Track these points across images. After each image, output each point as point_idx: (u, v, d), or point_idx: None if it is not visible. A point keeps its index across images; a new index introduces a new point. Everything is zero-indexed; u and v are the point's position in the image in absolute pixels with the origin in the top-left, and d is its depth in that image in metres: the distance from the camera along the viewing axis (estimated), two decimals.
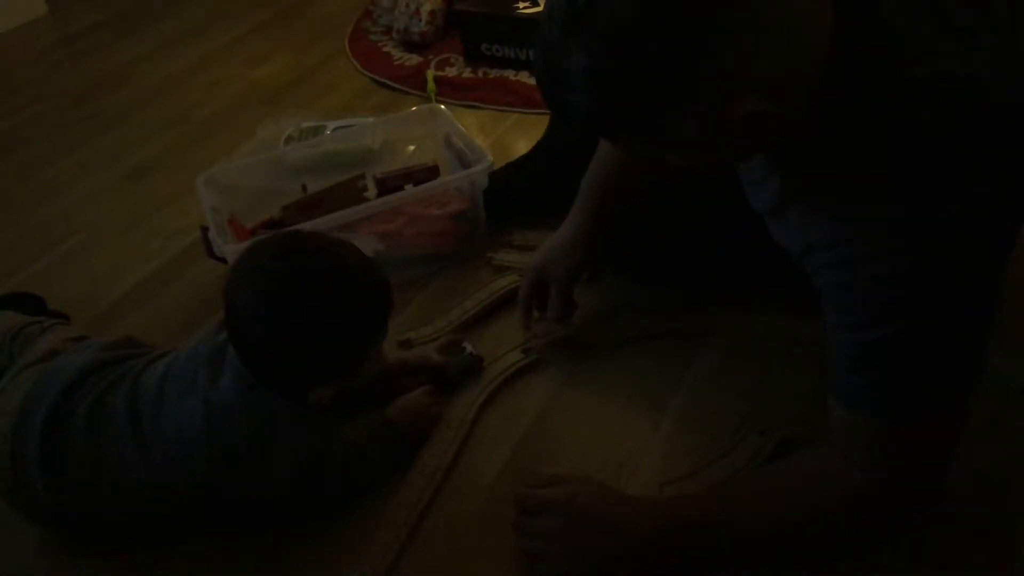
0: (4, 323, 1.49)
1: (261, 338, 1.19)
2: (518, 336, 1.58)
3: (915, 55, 0.96)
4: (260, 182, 1.88)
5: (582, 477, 1.29)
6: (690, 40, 0.88)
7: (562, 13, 0.91)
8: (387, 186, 1.80)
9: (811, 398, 1.39)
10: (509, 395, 1.50)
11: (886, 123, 0.97)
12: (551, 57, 0.94)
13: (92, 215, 2.14)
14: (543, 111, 2.17)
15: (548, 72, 0.96)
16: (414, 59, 2.69)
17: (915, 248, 0.97)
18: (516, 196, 1.85)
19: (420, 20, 2.71)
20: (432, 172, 1.84)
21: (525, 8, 2.50)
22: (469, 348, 1.53)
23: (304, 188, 1.83)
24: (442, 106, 2.03)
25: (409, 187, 1.79)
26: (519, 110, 2.36)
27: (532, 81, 2.35)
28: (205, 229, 1.72)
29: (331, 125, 2.20)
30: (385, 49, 2.79)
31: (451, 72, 2.58)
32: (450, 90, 2.49)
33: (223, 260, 1.64)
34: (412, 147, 2.03)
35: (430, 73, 2.55)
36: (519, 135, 2.24)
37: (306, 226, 1.56)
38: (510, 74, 2.51)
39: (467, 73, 2.56)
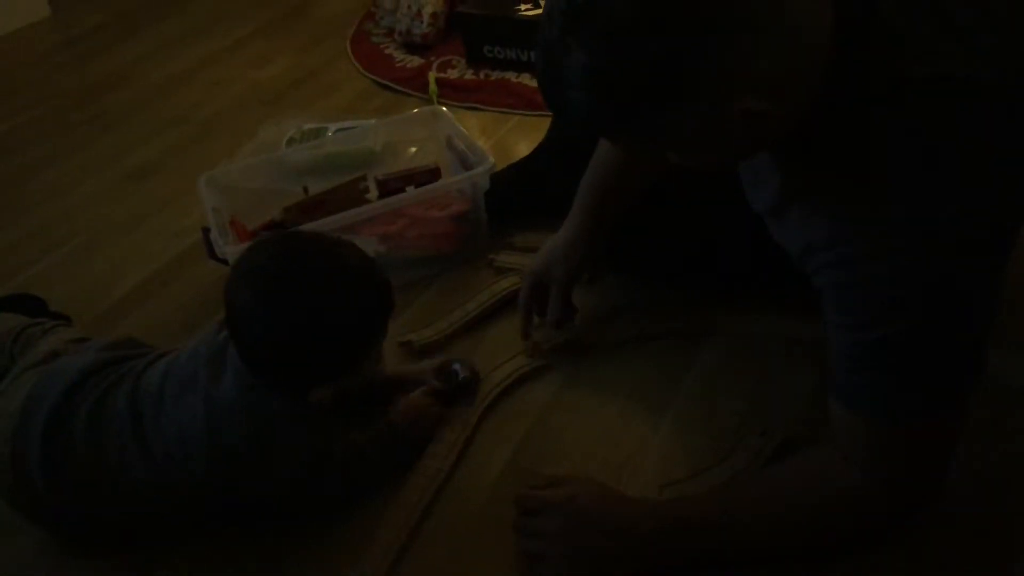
0: (5, 325, 1.49)
1: (261, 338, 1.20)
2: (519, 338, 1.58)
3: (915, 55, 0.96)
4: (261, 183, 1.89)
5: (582, 478, 1.29)
6: (690, 40, 0.88)
7: (561, 12, 0.91)
8: (388, 188, 1.80)
9: (811, 398, 1.39)
10: (510, 396, 1.49)
11: (886, 123, 0.97)
12: (551, 56, 0.94)
13: (93, 216, 2.14)
14: (545, 113, 2.17)
15: (548, 71, 0.96)
16: (416, 61, 2.69)
17: (915, 248, 0.97)
18: (518, 198, 1.85)
19: (422, 22, 2.71)
20: (433, 174, 1.84)
21: (527, 10, 2.50)
22: (460, 372, 1.50)
23: (305, 190, 1.83)
24: (444, 108, 2.03)
25: (410, 189, 1.79)
26: (521, 112, 2.36)
27: (534, 83, 2.35)
28: (206, 230, 1.72)
29: (333, 127, 2.21)
30: (387, 51, 2.79)
31: (453, 74, 2.58)
32: (452, 92, 2.49)
33: (224, 261, 1.64)
34: (414, 149, 2.03)
35: (432, 75, 2.55)
36: (521, 137, 2.24)
37: (307, 227, 1.56)
38: (512, 76, 2.51)
39: (469, 75, 2.56)
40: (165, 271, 1.91)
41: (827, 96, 0.97)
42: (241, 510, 1.31)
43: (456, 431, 1.42)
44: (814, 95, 0.97)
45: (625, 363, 1.53)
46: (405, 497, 1.33)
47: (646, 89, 0.91)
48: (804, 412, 1.37)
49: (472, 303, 1.67)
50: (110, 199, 2.21)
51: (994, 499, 1.23)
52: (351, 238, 1.32)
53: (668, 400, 1.45)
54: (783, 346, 1.50)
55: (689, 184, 1.30)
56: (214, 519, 1.32)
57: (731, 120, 0.93)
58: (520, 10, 2.51)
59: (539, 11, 2.46)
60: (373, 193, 1.82)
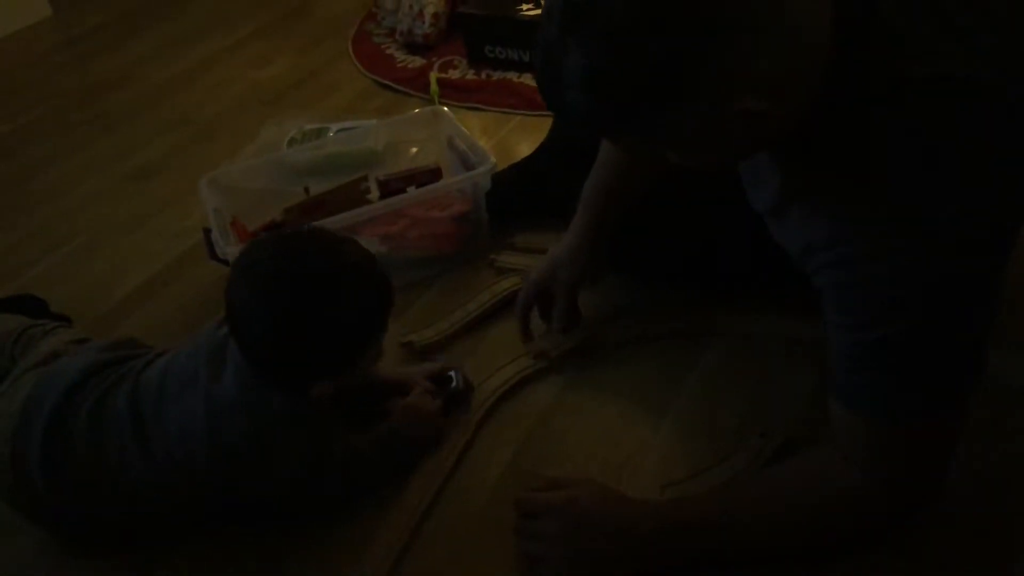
0: (6, 326, 1.49)
1: (260, 335, 1.20)
2: (520, 341, 1.58)
3: (915, 55, 0.96)
4: (262, 184, 1.89)
5: (582, 480, 1.28)
6: (690, 40, 0.88)
7: (561, 11, 0.91)
8: (390, 188, 1.80)
9: (811, 398, 1.39)
10: (511, 398, 1.49)
11: (886, 123, 0.97)
12: (550, 56, 0.94)
13: (94, 217, 2.15)
14: (546, 113, 2.17)
15: (547, 71, 0.96)
16: (417, 61, 2.69)
17: (915, 248, 0.96)
18: (519, 198, 1.85)
19: (423, 22, 2.71)
20: (435, 174, 1.84)
21: (528, 10, 2.50)
22: (456, 380, 1.49)
23: (307, 190, 1.83)
24: (445, 108, 2.03)
25: (412, 189, 1.79)
26: (522, 112, 2.36)
27: (535, 83, 2.34)
28: (208, 231, 1.72)
29: (334, 127, 2.21)
30: (388, 51, 2.79)
31: (454, 74, 2.58)
32: (453, 92, 2.49)
33: (225, 262, 1.64)
34: (415, 149, 2.03)
35: (433, 75, 2.55)
36: (522, 137, 2.24)
37: None
38: (513, 76, 2.51)
39: (470, 75, 2.56)
40: (166, 272, 1.92)
41: (827, 96, 0.97)
42: (241, 510, 1.31)
43: (457, 432, 1.42)
44: (814, 95, 0.97)
45: (626, 364, 1.53)
46: (406, 498, 1.33)
47: (646, 89, 0.91)
48: (804, 412, 1.37)
49: (473, 303, 1.67)
50: (111, 200, 2.21)
51: (994, 499, 1.23)
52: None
53: (669, 400, 1.45)
54: (783, 346, 1.50)
55: (689, 184, 1.30)
56: (214, 519, 1.32)
57: (731, 120, 0.93)
58: (521, 10, 2.51)
59: (540, 11, 2.46)
60: (374, 193, 1.82)
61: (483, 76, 2.54)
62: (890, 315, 0.99)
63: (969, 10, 0.97)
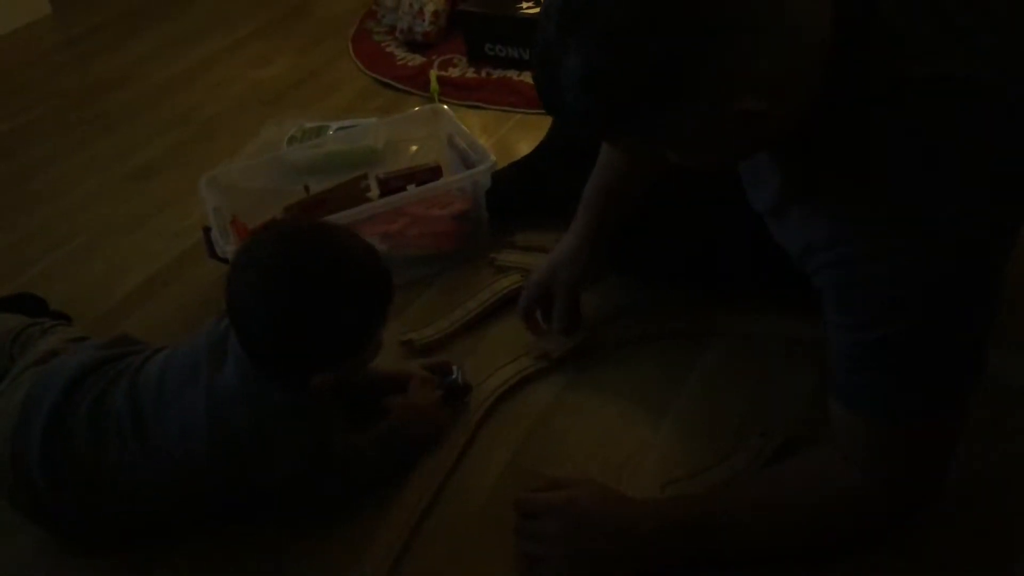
0: (5, 325, 1.49)
1: (260, 327, 1.20)
2: (520, 338, 1.58)
3: (915, 55, 0.96)
4: (263, 183, 1.89)
5: (582, 479, 1.28)
6: (689, 40, 0.88)
7: (559, 11, 0.91)
8: (390, 187, 1.80)
9: (811, 398, 1.39)
10: (511, 397, 1.49)
11: (886, 123, 0.97)
12: (548, 56, 0.94)
13: (94, 216, 2.14)
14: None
15: (545, 71, 0.96)
16: (417, 59, 2.69)
17: (915, 248, 0.96)
18: (519, 196, 1.85)
19: (423, 20, 2.71)
20: (435, 172, 1.84)
21: (528, 8, 2.50)
22: (456, 375, 1.49)
23: (307, 188, 1.83)
24: (445, 106, 2.03)
25: (412, 188, 1.79)
26: (522, 110, 2.36)
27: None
28: (207, 230, 1.72)
29: (334, 125, 2.21)
30: (388, 49, 2.79)
31: (454, 72, 2.58)
32: (453, 90, 2.49)
33: (225, 261, 1.64)
34: (415, 147, 2.03)
35: (433, 73, 2.55)
36: (522, 135, 2.24)
37: None
38: (513, 74, 2.51)
39: (470, 73, 2.56)
40: (166, 271, 1.91)
41: (827, 96, 0.97)
42: (242, 508, 1.31)
43: (457, 432, 1.42)
44: (814, 95, 0.97)
45: (626, 364, 1.53)
46: (406, 497, 1.33)
47: (646, 89, 0.91)
48: (804, 412, 1.37)
49: (473, 302, 1.67)
50: (111, 199, 2.21)
51: (994, 499, 1.23)
52: None
53: (669, 400, 1.45)
54: (783, 346, 1.50)
55: (689, 184, 1.30)
56: (214, 518, 1.32)
57: (731, 120, 0.93)
58: (521, 8, 2.51)
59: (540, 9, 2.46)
60: (374, 192, 1.82)
61: (483, 74, 2.54)
62: (890, 315, 0.99)
63: (969, 10, 0.97)
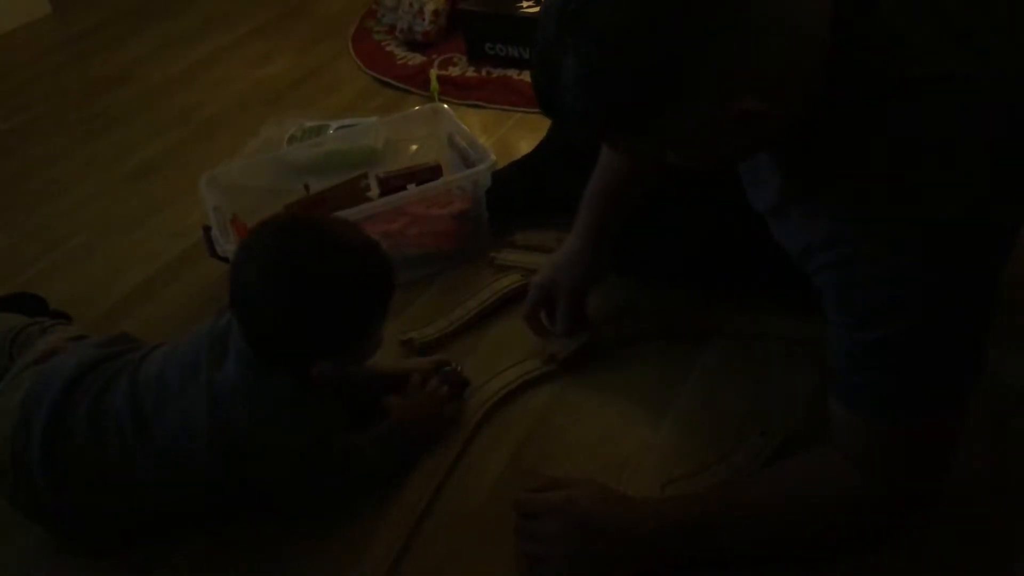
0: (4, 324, 1.49)
1: (263, 312, 1.21)
2: (521, 337, 1.58)
3: (915, 55, 0.96)
4: (263, 182, 1.89)
5: (582, 479, 1.28)
6: (689, 40, 0.88)
7: (559, 12, 0.91)
8: (390, 186, 1.80)
9: (811, 398, 1.39)
10: (511, 397, 1.49)
11: (886, 123, 0.97)
12: (547, 57, 0.94)
13: (94, 215, 2.15)
14: None
15: (544, 71, 0.96)
16: (417, 58, 2.69)
17: (915, 248, 0.97)
18: (519, 196, 1.84)
19: (423, 19, 2.71)
20: (435, 172, 1.83)
21: (528, 7, 2.49)
22: (455, 365, 1.50)
23: (307, 188, 1.83)
24: (445, 106, 2.03)
25: (412, 187, 1.78)
26: (522, 109, 2.36)
27: None
28: (208, 229, 1.72)
29: (334, 125, 2.21)
30: (388, 48, 2.79)
31: (454, 71, 2.58)
32: (453, 89, 2.49)
33: (225, 260, 1.64)
34: (415, 147, 2.03)
35: (433, 72, 2.55)
36: (522, 135, 2.24)
37: None
38: (513, 73, 2.51)
39: (470, 72, 2.56)
40: (166, 270, 1.92)
41: (827, 96, 0.97)
42: (242, 507, 1.32)
43: (457, 431, 1.42)
44: (814, 95, 0.97)
45: (626, 363, 1.53)
46: (406, 497, 1.33)
47: (645, 90, 0.91)
48: (804, 412, 1.37)
49: (473, 301, 1.67)
50: (111, 198, 2.21)
51: (994, 499, 1.23)
52: None
53: (669, 400, 1.45)
54: (783, 346, 1.50)
55: (690, 185, 1.30)
56: (214, 518, 1.32)
57: (731, 120, 0.93)
58: (521, 7, 2.50)
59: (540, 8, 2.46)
60: (374, 191, 1.82)
61: (483, 73, 2.54)
62: (890, 315, 0.99)
63: (969, 10, 0.97)
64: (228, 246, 1.58)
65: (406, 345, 1.60)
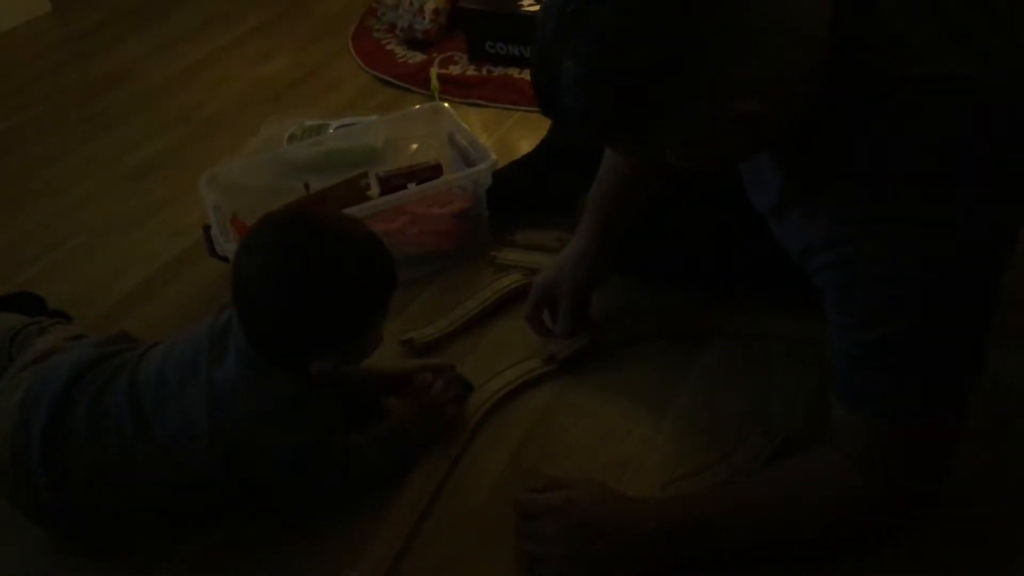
0: (3, 324, 1.49)
1: (264, 304, 1.22)
2: (521, 337, 1.58)
3: (915, 55, 0.95)
4: (263, 181, 1.88)
5: (583, 479, 1.28)
6: (689, 41, 0.88)
7: (558, 12, 0.91)
8: (390, 185, 1.80)
9: (811, 398, 1.39)
10: (512, 396, 1.49)
11: (886, 123, 0.97)
12: (546, 58, 0.94)
13: (94, 215, 2.14)
14: None
15: (544, 72, 0.96)
16: (418, 57, 2.68)
17: (915, 248, 0.96)
18: (519, 195, 1.84)
19: (424, 18, 2.71)
20: (435, 171, 1.83)
21: (529, 6, 2.49)
22: (458, 369, 1.49)
23: (307, 187, 1.83)
24: (445, 104, 2.03)
25: (412, 186, 1.78)
26: (523, 108, 2.35)
27: None
28: (208, 228, 1.72)
29: (334, 123, 2.20)
30: (389, 47, 2.78)
31: (455, 70, 2.57)
32: (454, 88, 2.48)
33: (225, 259, 1.64)
34: (415, 145, 2.03)
35: (434, 71, 2.55)
36: (523, 133, 2.24)
37: None
38: (514, 72, 2.51)
39: (471, 71, 2.56)
40: (166, 270, 1.91)
41: (827, 96, 0.97)
42: (243, 506, 1.32)
43: (457, 432, 1.42)
44: (814, 95, 0.97)
45: (627, 363, 1.53)
46: (405, 496, 1.33)
47: (645, 91, 0.91)
48: (804, 412, 1.37)
49: (473, 300, 1.67)
50: (111, 198, 2.21)
51: (994, 499, 1.23)
52: None
53: (670, 400, 1.45)
54: (783, 346, 1.50)
55: (691, 185, 1.30)
56: (214, 518, 1.32)
57: (731, 121, 0.93)
58: (522, 5, 2.50)
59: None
60: (374, 190, 1.82)
61: (484, 72, 2.54)
62: (890, 315, 0.99)
63: (970, 10, 0.97)
64: (228, 245, 1.58)
65: (406, 345, 1.60)
